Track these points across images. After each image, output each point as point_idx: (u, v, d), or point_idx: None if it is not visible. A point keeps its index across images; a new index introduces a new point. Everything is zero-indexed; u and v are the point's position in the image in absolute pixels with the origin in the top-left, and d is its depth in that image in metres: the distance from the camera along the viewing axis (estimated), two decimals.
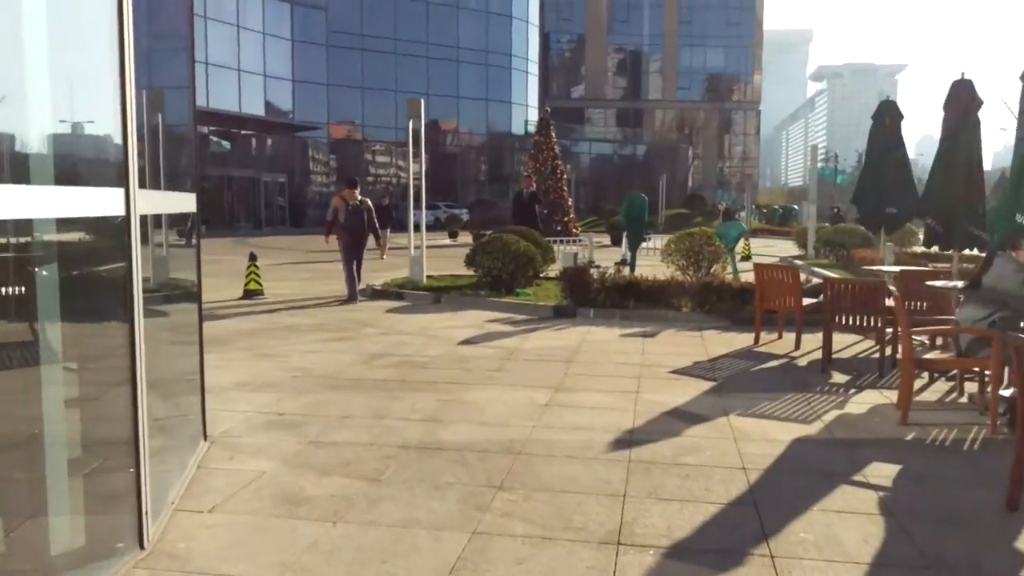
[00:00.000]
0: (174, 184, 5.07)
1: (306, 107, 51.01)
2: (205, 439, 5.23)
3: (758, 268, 9.48)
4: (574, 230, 32.91)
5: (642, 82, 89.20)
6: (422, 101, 15.15)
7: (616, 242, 32.24)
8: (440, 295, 12.93)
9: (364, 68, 53.62)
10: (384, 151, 56.23)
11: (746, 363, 8.27)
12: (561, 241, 23.01)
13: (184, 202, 4.75)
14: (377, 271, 17.69)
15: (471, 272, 13.81)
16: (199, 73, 42.53)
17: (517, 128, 61.94)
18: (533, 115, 60.67)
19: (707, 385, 7.17)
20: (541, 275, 14.40)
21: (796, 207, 60.34)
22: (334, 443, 5.28)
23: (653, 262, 16.49)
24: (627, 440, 5.42)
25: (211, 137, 45.13)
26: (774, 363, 8.31)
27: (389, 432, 5.52)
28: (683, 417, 6.07)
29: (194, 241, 5.36)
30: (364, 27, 53.43)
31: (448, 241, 32.81)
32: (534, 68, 64.57)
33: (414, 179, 15.27)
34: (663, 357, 8.43)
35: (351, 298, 12.97)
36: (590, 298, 11.43)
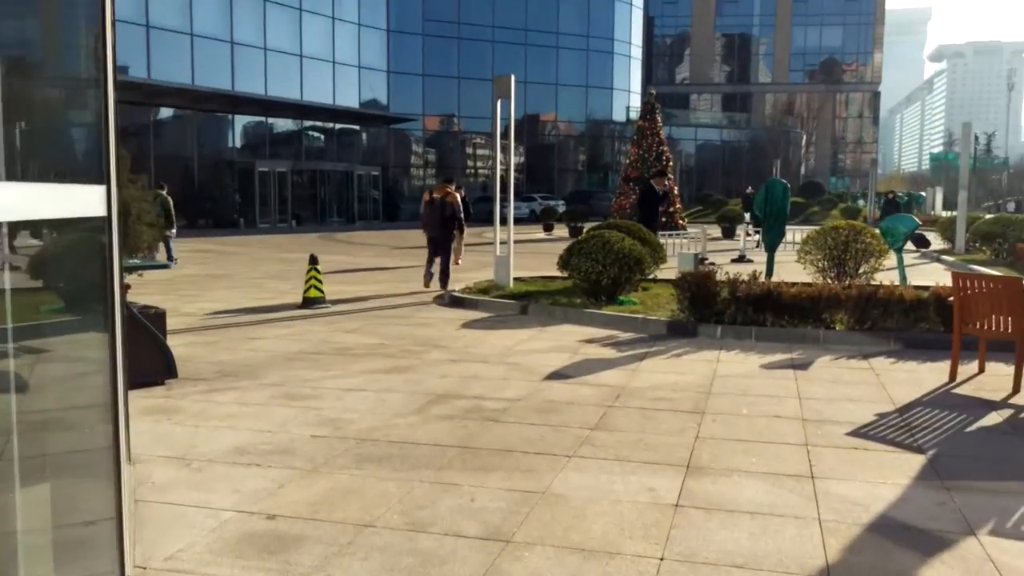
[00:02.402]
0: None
1: (401, 98, 49.71)
2: None
3: (958, 277, 6.95)
4: (680, 222, 30.29)
5: (751, 65, 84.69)
6: (512, 78, 13.08)
7: (728, 235, 29.48)
8: (527, 303, 10.81)
9: (460, 57, 51.94)
10: (483, 143, 54.45)
11: (953, 416, 5.80)
12: (668, 235, 20.57)
13: (56, 200, 2.74)
14: (460, 271, 15.73)
15: (566, 274, 11.62)
16: (294, 65, 41.72)
17: (618, 115, 59.12)
18: (636, 101, 57.82)
19: (914, 461, 4.78)
20: (648, 276, 12.09)
21: (923, 194, 55.50)
22: None
23: (780, 259, 13.79)
24: None
25: (307, 132, 44.34)
26: (995, 417, 5.82)
27: (426, 565, 3.42)
28: (902, 538, 3.73)
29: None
30: (460, 15, 51.73)
31: (543, 235, 30.68)
32: (637, 52, 61.51)
33: (501, 166, 13.22)
34: (830, 405, 6.05)
35: (425, 283, 13.26)
36: (715, 311, 9.09)
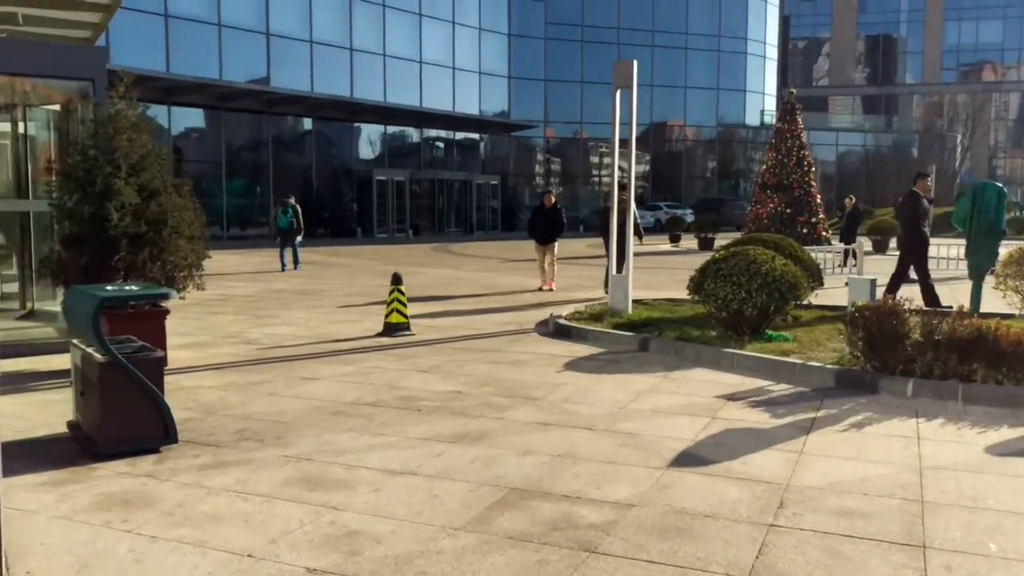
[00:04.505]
0: None
1: (523, 105, 48.21)
2: None
3: None
4: (824, 234, 27.22)
5: (897, 64, 78.86)
6: (634, 63, 11.16)
7: (880, 248, 26.30)
8: (649, 337, 8.73)
9: (584, 61, 49.96)
10: (607, 151, 52.24)
11: None
12: (812, 249, 17.92)
13: None
14: (573, 290, 13.77)
15: (696, 298, 9.42)
16: (414, 72, 40.84)
17: (752, 119, 55.60)
18: (770, 104, 54.30)
19: None
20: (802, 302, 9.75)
21: None
22: None
23: (956, 286, 10.91)
24: None
25: (426, 140, 43.41)
26: None
27: None
28: None
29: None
30: (584, 17, 49.79)
31: (668, 246, 28.34)
32: (772, 53, 57.85)
33: (619, 170, 11.20)
34: None
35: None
36: (901, 358, 6.77)
